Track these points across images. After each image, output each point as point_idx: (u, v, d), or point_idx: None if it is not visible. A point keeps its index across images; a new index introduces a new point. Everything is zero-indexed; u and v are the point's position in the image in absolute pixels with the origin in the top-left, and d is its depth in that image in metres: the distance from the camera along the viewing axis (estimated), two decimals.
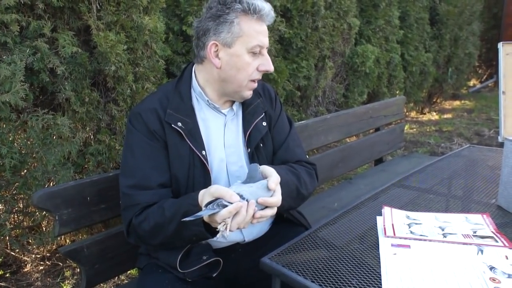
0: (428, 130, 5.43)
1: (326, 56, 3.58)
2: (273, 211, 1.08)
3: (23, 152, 1.79)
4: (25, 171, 1.86)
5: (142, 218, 1.15)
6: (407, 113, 6.06)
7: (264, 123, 1.34)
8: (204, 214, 0.98)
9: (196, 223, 1.05)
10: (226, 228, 0.98)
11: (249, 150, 1.30)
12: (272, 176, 1.09)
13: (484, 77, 8.94)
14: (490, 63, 8.75)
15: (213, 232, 1.08)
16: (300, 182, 1.27)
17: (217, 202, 0.99)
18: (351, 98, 4.13)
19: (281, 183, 1.11)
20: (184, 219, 1.00)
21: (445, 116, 6.23)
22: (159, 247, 1.24)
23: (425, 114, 6.34)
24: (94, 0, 1.84)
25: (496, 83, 8.34)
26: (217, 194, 1.01)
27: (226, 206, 0.98)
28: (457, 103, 7.19)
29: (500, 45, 1.62)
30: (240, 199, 1.00)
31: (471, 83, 8.81)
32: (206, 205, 1.00)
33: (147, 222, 1.14)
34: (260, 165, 1.14)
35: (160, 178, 1.20)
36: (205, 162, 1.22)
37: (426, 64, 5.34)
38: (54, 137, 1.85)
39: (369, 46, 4.07)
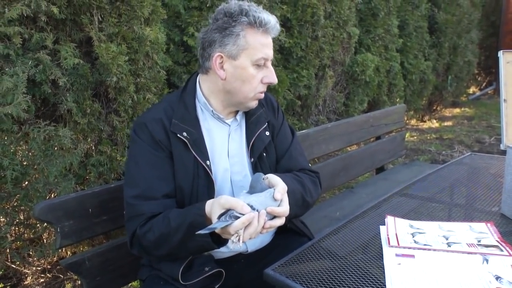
0: (428, 138, 5.43)
1: (326, 65, 3.60)
2: (282, 220, 1.07)
3: (24, 163, 1.79)
4: (27, 182, 1.85)
5: (147, 229, 1.14)
6: (407, 121, 6.07)
7: (267, 133, 1.34)
8: (218, 226, 0.97)
9: (202, 234, 1.04)
10: (239, 240, 0.98)
11: (252, 159, 1.30)
12: (279, 185, 1.08)
13: (484, 85, 8.98)
14: (489, 70, 8.79)
15: (219, 242, 1.07)
16: (305, 190, 1.27)
17: (229, 214, 0.98)
18: (352, 107, 4.13)
19: (287, 192, 1.10)
20: (199, 232, 0.97)
21: (446, 123, 6.23)
22: (163, 258, 1.23)
23: (425, 122, 6.35)
24: (95, 12, 1.86)
25: (496, 90, 8.36)
26: (228, 205, 1.00)
27: (238, 217, 0.97)
28: (457, 110, 7.20)
29: (500, 53, 1.62)
30: (251, 209, 1.00)
31: (471, 90, 8.84)
32: (219, 217, 0.99)
33: (152, 232, 1.13)
34: (264, 174, 1.13)
35: (165, 188, 1.19)
36: (209, 172, 1.22)
37: (426, 72, 5.36)
38: (56, 149, 1.85)
39: (369, 55, 4.09)
